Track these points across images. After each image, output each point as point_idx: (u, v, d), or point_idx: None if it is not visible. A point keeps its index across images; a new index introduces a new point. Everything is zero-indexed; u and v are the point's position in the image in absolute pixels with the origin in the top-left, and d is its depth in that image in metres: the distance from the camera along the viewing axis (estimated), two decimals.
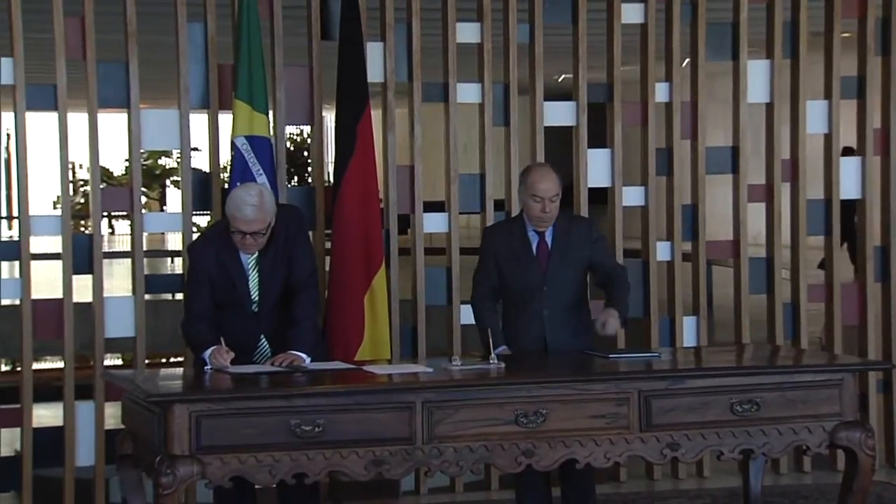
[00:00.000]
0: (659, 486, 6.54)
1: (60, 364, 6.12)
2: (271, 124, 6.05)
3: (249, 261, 5.05)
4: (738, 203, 6.73)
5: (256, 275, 5.05)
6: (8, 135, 24.06)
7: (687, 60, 6.73)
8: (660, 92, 6.65)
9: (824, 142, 6.84)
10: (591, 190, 6.58)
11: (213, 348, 4.93)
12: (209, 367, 4.92)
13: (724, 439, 4.78)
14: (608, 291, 5.23)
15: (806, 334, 6.79)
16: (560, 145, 6.90)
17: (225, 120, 6.12)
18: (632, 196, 6.64)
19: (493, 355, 4.91)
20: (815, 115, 6.78)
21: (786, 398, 4.83)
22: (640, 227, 6.66)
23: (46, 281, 6.89)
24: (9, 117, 6.02)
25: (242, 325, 5.06)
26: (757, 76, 6.73)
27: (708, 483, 6.56)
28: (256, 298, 5.06)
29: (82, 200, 23.97)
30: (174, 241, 18.53)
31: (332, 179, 6.18)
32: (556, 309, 5.19)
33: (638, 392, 4.71)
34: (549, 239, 5.23)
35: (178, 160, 6.57)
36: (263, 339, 5.09)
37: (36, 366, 6.10)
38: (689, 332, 6.68)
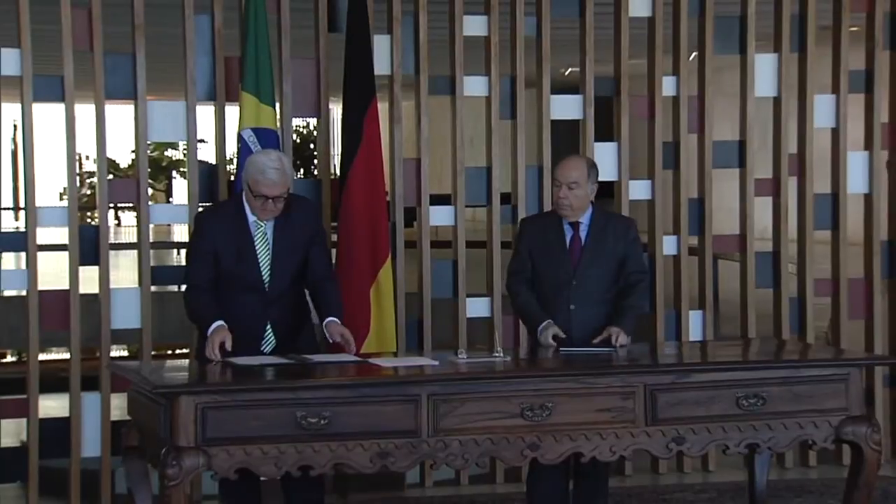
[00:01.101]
0: (664, 480, 6.54)
1: (66, 355, 6.13)
2: (278, 116, 6.05)
3: (260, 240, 5.03)
4: (744, 197, 6.72)
5: (269, 255, 5.03)
6: (15, 126, 24.08)
7: (694, 54, 6.72)
8: (667, 85, 6.65)
9: (832, 136, 6.83)
10: (598, 183, 6.55)
11: (215, 326, 4.89)
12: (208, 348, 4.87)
13: (730, 433, 4.77)
14: (620, 298, 5.18)
15: (812, 329, 6.78)
16: (567, 139, 6.90)
17: (231, 112, 6.12)
18: (638, 190, 6.64)
19: (497, 343, 4.91)
20: (822, 109, 6.77)
21: (792, 393, 4.82)
22: (647, 220, 6.66)
23: (53, 272, 6.89)
24: (16, 108, 6.02)
25: (251, 308, 5.01)
26: (764, 70, 6.72)
27: (713, 477, 6.56)
28: (268, 279, 5.02)
29: (89, 192, 23.99)
30: (180, 233, 18.55)
31: (338, 172, 6.18)
32: (584, 304, 5.16)
33: (644, 386, 4.71)
34: (582, 234, 5.22)
35: (185, 152, 6.58)
36: (269, 328, 5.08)
37: (42, 356, 6.10)
38: (695, 326, 6.68)
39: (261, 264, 5.02)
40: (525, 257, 5.27)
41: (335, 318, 5.03)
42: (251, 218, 5.02)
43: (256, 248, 5.02)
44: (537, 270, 5.25)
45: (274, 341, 5.07)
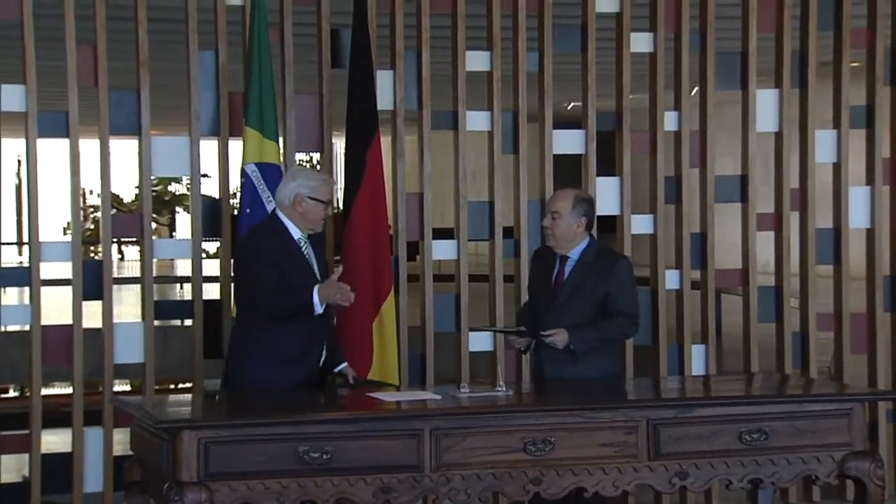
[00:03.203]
0: None
1: (69, 390, 6.12)
2: (281, 151, 6.07)
3: (308, 254, 5.12)
4: (746, 232, 6.73)
5: (316, 269, 5.13)
6: (19, 161, 24.15)
7: (696, 89, 6.74)
8: (669, 120, 6.67)
9: (833, 171, 6.85)
10: (600, 218, 6.54)
11: (323, 284, 4.95)
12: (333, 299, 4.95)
13: (733, 468, 4.76)
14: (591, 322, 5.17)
15: (815, 363, 6.76)
16: (569, 173, 6.91)
17: (235, 147, 6.14)
18: (641, 224, 6.65)
19: (499, 377, 4.92)
20: (823, 144, 6.79)
21: (795, 427, 4.82)
22: (649, 255, 6.67)
23: (56, 307, 6.90)
24: (20, 144, 6.05)
25: (311, 323, 5.06)
26: (766, 105, 6.74)
27: None
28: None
29: (92, 226, 24.03)
30: (184, 268, 18.56)
31: (341, 206, 6.19)
32: None
33: (646, 420, 4.70)
34: (567, 268, 5.25)
35: (189, 187, 6.60)
36: (324, 342, 5.15)
37: (45, 391, 6.09)
38: (697, 360, 6.66)
39: (317, 277, 5.11)
40: (531, 286, 5.43)
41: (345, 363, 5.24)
42: (296, 234, 5.10)
43: (309, 261, 5.11)
44: (532, 301, 5.38)
45: (325, 354, 5.16)
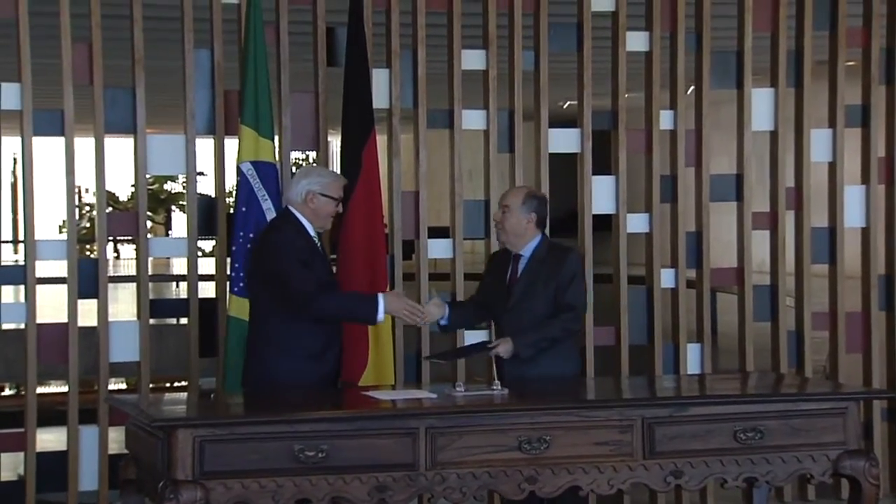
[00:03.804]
0: None
1: (64, 388, 6.12)
2: (277, 150, 6.07)
3: (323, 251, 5.17)
4: (742, 230, 6.73)
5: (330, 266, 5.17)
6: (15, 159, 24.13)
7: (691, 88, 6.75)
8: (664, 119, 6.67)
9: (829, 170, 6.85)
10: (595, 216, 6.58)
11: (383, 296, 4.99)
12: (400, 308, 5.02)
13: (728, 467, 4.77)
14: (536, 324, 5.18)
15: (810, 362, 6.77)
16: (565, 172, 6.92)
17: (231, 145, 6.14)
18: (636, 223, 6.65)
19: (495, 376, 4.93)
20: (819, 143, 6.80)
21: (790, 426, 4.82)
22: (644, 253, 6.67)
23: (51, 305, 6.90)
24: (16, 142, 6.04)
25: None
26: (761, 104, 6.75)
27: None
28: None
29: (88, 225, 24.02)
30: (179, 266, 18.57)
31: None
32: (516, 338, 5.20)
33: (641, 419, 4.71)
34: (520, 268, 5.29)
35: (184, 185, 6.60)
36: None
37: (40, 390, 6.10)
38: (693, 359, 6.67)
39: (334, 275, 5.16)
40: (485, 281, 5.44)
41: None
42: (311, 231, 5.12)
43: (327, 259, 5.15)
44: (488, 302, 5.41)
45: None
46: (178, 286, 17.26)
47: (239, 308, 5.77)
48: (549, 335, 5.18)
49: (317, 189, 5.09)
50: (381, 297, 5.01)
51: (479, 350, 5.44)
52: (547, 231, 5.37)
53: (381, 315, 5.01)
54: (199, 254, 6.28)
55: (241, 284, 5.78)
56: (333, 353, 5.13)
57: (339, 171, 6.06)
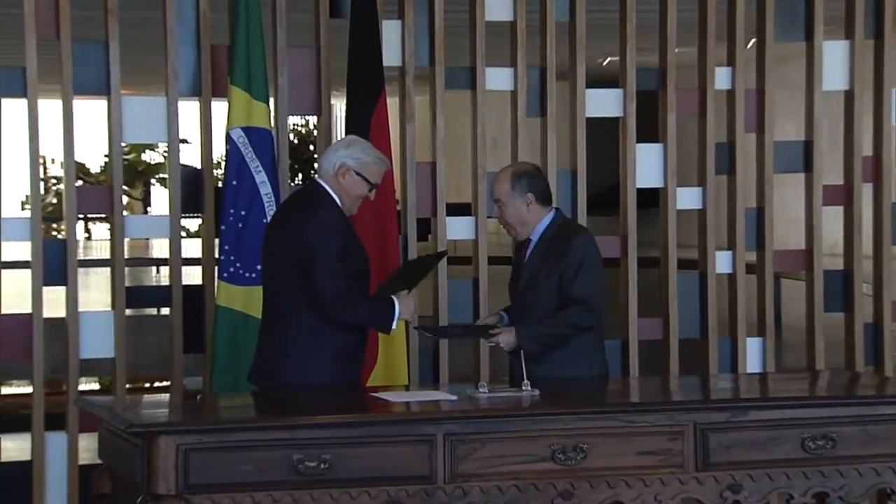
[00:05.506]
0: None
1: (29, 389, 6.16)
2: (272, 114, 6.08)
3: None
4: (811, 207, 6.73)
5: None
6: None
7: (752, 41, 6.74)
8: (720, 78, 6.66)
9: None
10: (639, 191, 6.59)
11: (401, 298, 5.05)
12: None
13: (794, 480, 4.78)
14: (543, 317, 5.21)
15: (890, 359, 6.78)
16: (605, 139, 6.92)
17: (219, 109, 6.16)
18: (687, 198, 6.65)
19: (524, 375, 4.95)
20: None
21: (866, 434, 4.83)
22: (697, 233, 6.67)
23: (13, 293, 6.93)
24: None
25: None
26: (834, 60, 6.74)
27: None
28: None
29: (55, 200, 24.12)
30: (160, 248, 18.64)
31: None
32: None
33: (694, 425, 4.72)
34: (528, 254, 5.33)
35: (165, 154, 6.61)
36: None
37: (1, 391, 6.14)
38: (753, 355, 6.68)
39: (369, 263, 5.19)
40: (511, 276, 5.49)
41: None
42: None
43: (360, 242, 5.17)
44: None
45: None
46: (158, 271, 17.33)
47: (229, 297, 5.79)
48: (553, 331, 5.20)
49: (353, 164, 5.09)
50: (397, 305, 5.05)
51: (479, 333, 5.49)
52: (556, 205, 5.40)
53: (395, 322, 5.08)
54: (183, 234, 6.31)
55: (232, 269, 5.81)
56: (364, 352, 5.22)
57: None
